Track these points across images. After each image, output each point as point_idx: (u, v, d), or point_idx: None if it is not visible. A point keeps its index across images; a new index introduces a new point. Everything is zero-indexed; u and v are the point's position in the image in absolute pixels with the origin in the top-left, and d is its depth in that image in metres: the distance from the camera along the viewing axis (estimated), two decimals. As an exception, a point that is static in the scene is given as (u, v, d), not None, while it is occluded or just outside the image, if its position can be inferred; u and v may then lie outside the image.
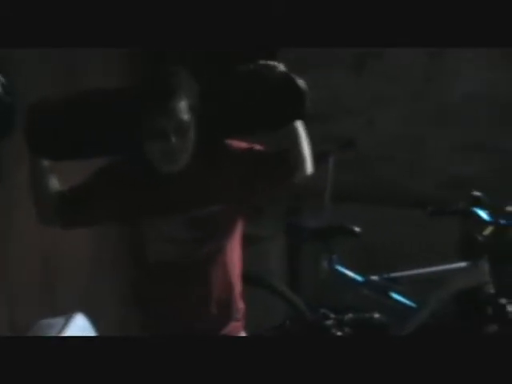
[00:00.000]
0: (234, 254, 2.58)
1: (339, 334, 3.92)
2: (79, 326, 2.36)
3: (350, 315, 3.95)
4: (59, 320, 2.36)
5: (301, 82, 2.43)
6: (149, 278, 2.55)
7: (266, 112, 2.45)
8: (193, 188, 2.46)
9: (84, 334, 2.37)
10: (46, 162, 2.45)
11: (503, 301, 3.75)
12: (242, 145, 2.53)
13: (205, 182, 2.47)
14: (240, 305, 2.63)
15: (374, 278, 3.94)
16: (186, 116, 2.34)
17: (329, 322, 3.94)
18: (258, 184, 2.56)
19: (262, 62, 2.41)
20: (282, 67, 2.42)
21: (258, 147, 2.54)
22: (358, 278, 3.95)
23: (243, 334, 2.65)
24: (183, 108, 2.33)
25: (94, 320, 2.44)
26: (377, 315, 3.94)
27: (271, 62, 2.42)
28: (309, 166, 2.58)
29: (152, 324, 2.58)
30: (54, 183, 2.48)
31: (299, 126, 2.52)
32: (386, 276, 3.93)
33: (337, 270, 3.94)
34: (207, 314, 2.54)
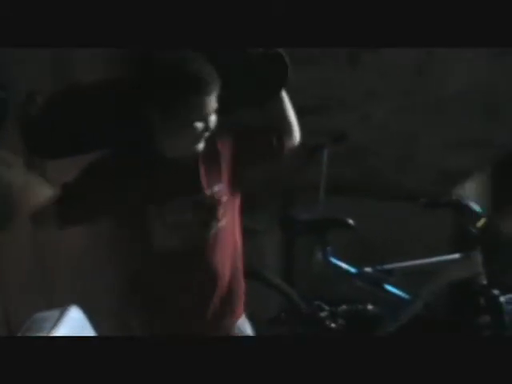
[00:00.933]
0: (237, 235, 2.63)
1: (333, 325, 3.96)
2: (74, 319, 2.36)
3: (344, 307, 3.99)
4: (54, 313, 2.35)
5: (280, 50, 2.47)
6: (155, 269, 2.57)
7: (251, 85, 2.48)
8: (193, 171, 2.49)
9: (79, 327, 2.37)
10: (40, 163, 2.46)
11: (496, 292, 3.78)
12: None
13: (204, 163, 2.50)
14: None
15: (368, 269, 3.97)
16: (215, 99, 2.38)
17: (323, 314, 3.98)
18: (253, 158, 2.61)
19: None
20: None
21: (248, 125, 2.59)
22: (352, 269, 3.97)
23: (244, 318, 2.72)
24: (216, 91, 2.37)
25: (93, 319, 2.45)
26: (370, 307, 3.98)
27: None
28: (298, 134, 2.67)
29: (157, 317, 2.60)
30: (45, 185, 2.48)
31: (284, 95, 2.58)
32: (379, 268, 3.96)
33: (331, 262, 3.97)
34: (216, 297, 2.59)
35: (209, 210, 2.51)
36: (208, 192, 2.50)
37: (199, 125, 2.35)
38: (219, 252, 2.55)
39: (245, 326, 2.76)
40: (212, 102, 2.35)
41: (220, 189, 2.51)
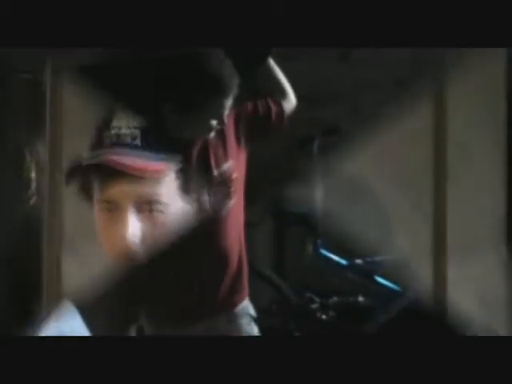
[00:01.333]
0: (242, 214, 2.69)
1: (324, 317, 3.98)
2: (64, 310, 2.38)
3: (335, 299, 4.01)
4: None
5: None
6: (170, 249, 2.59)
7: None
8: (202, 152, 2.53)
9: (69, 318, 2.39)
10: None
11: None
12: None
13: (211, 143, 2.55)
14: None
15: (359, 261, 3.99)
16: (233, 98, 2.46)
17: (314, 306, 4.00)
18: (257, 127, 2.67)
19: None
20: None
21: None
22: (343, 261, 4.00)
23: (248, 300, 2.75)
24: (235, 91, 2.45)
25: (91, 314, 2.46)
26: (361, 298, 4.00)
27: None
28: (293, 97, 2.78)
29: (169, 299, 2.62)
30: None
31: (272, 62, 2.71)
32: (370, 260, 3.99)
33: (321, 254, 3.99)
34: (227, 276, 2.63)
35: (221, 188, 2.55)
36: (218, 171, 2.54)
37: (214, 123, 2.40)
38: (231, 230, 2.61)
39: (249, 308, 2.80)
40: (229, 102, 2.41)
41: (229, 166, 2.56)
